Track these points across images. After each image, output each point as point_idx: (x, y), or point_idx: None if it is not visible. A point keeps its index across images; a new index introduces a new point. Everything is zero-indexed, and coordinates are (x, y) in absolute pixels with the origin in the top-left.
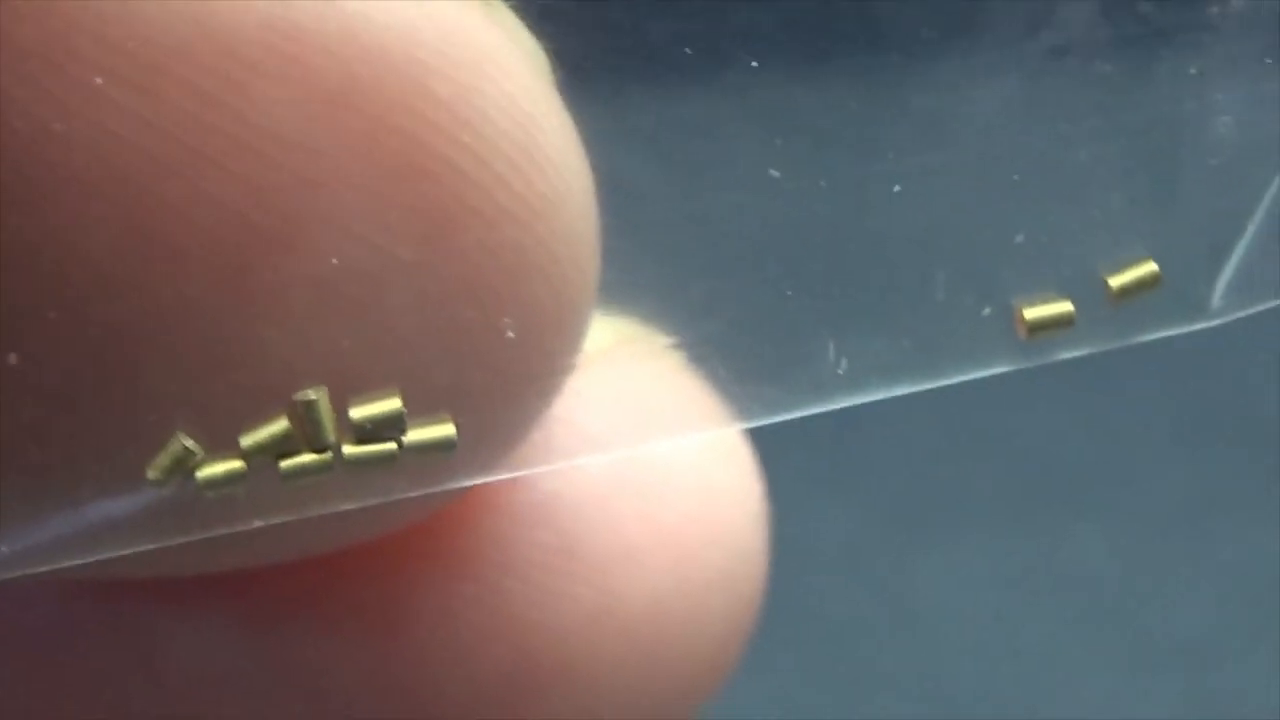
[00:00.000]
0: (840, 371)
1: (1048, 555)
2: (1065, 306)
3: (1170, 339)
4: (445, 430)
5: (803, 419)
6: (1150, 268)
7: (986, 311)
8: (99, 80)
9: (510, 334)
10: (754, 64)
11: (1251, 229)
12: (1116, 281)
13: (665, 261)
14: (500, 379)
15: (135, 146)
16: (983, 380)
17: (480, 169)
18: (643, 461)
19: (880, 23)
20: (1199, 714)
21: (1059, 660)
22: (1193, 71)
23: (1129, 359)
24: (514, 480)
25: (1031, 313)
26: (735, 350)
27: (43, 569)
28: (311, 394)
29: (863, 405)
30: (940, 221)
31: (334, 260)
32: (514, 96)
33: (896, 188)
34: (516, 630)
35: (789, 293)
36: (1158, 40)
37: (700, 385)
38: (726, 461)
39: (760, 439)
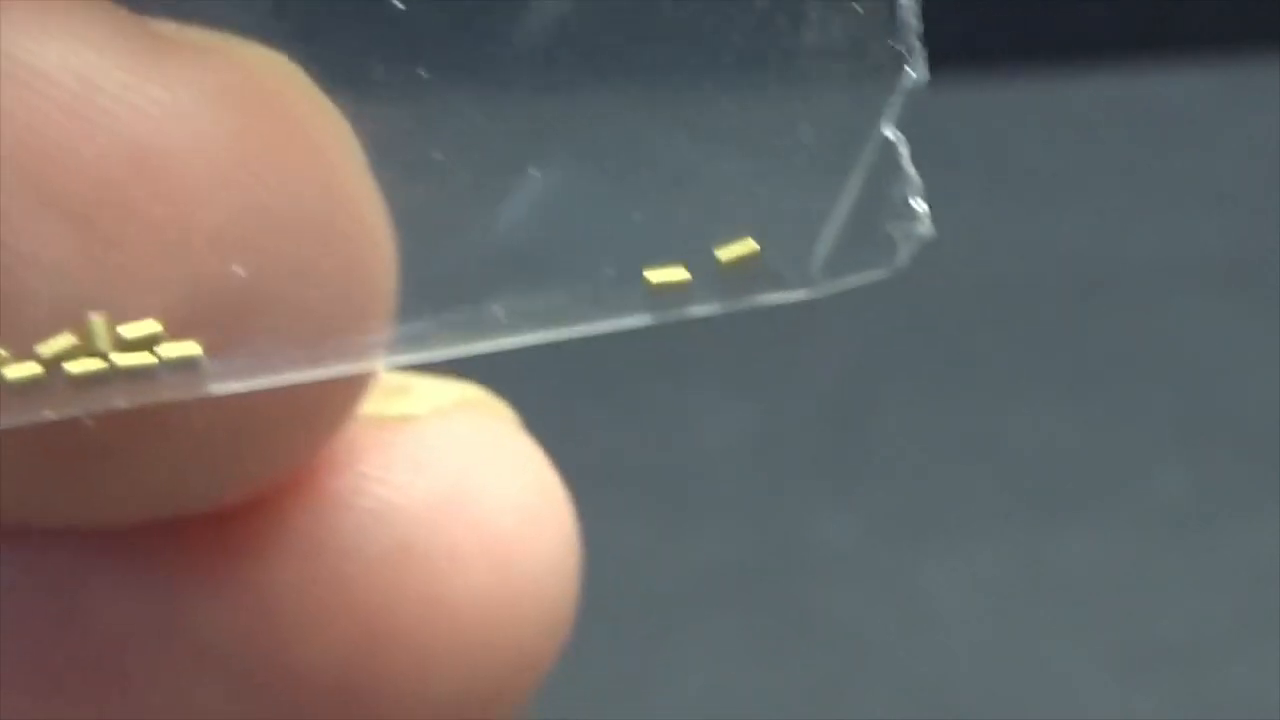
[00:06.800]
0: (502, 320)
1: (1049, 556)
2: (682, 273)
3: (1171, 341)
4: (193, 349)
5: (805, 427)
6: (750, 245)
7: (612, 273)
8: None
9: (239, 271)
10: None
11: (835, 217)
12: (723, 255)
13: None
14: (235, 311)
15: None
16: (984, 384)
17: None
18: (471, 487)
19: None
20: (1199, 714)
21: (1062, 661)
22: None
23: (1129, 360)
24: (356, 488)
25: (653, 275)
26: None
27: None
28: (94, 315)
29: (864, 408)
30: (572, 204)
31: None
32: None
33: (535, 171)
34: (359, 610)
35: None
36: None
37: (531, 445)
38: (544, 495)
39: (764, 445)
